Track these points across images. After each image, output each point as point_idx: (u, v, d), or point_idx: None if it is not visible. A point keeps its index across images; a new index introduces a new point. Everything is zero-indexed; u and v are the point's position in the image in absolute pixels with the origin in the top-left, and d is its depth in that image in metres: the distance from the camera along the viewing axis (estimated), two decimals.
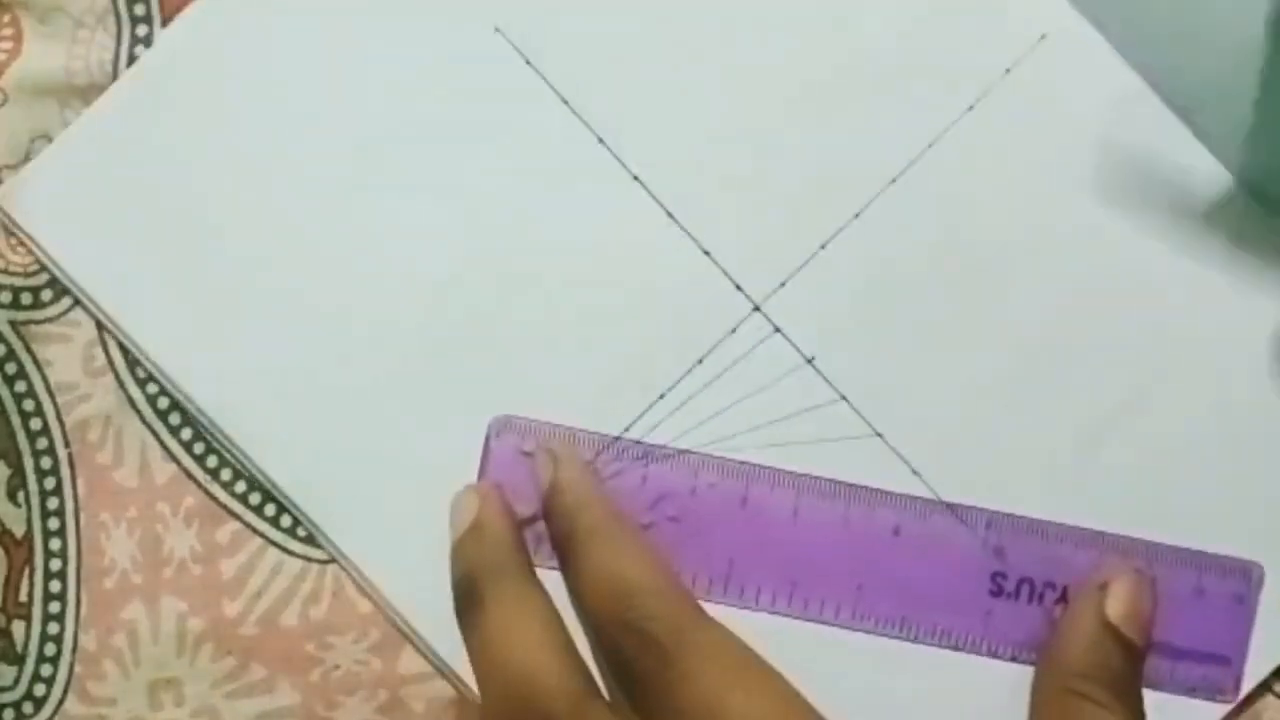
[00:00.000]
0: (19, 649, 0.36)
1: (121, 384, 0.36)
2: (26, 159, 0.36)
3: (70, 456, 0.36)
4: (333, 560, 0.35)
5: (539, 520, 0.34)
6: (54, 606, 0.36)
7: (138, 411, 0.36)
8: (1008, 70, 0.35)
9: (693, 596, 0.33)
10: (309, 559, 0.35)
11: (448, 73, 0.36)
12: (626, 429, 0.35)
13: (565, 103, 0.36)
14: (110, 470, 0.36)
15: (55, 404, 0.36)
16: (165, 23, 0.36)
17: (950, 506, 0.34)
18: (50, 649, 0.35)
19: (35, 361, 0.36)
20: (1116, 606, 0.32)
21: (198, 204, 0.36)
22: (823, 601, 0.34)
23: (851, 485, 0.34)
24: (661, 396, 0.35)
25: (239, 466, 0.36)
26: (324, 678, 0.35)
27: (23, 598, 0.36)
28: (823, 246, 0.35)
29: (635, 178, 0.35)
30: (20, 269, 0.36)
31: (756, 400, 0.35)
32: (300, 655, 0.35)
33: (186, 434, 0.36)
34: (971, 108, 0.35)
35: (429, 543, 0.34)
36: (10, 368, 0.36)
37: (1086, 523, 0.34)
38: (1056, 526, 0.34)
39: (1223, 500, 0.34)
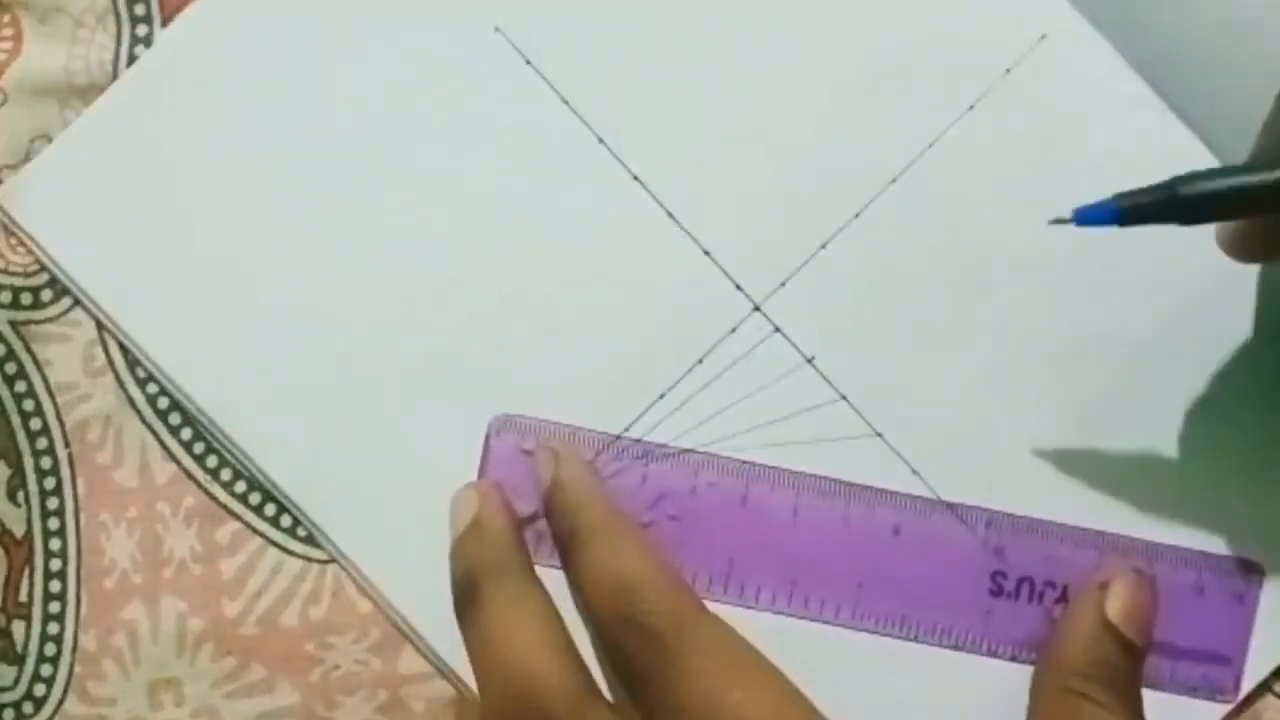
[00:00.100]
0: (19, 649, 0.36)
1: (121, 384, 0.36)
2: (26, 159, 0.36)
3: (70, 456, 0.36)
4: (333, 560, 0.35)
5: (539, 519, 0.34)
6: (54, 606, 0.36)
7: (138, 411, 0.36)
8: (1008, 70, 0.35)
9: (694, 593, 0.33)
10: (309, 559, 0.35)
11: (448, 73, 0.36)
12: (627, 429, 0.35)
13: (565, 103, 0.36)
14: (110, 470, 0.36)
15: (55, 404, 0.36)
16: (165, 23, 0.36)
17: (950, 506, 0.34)
18: (50, 649, 0.35)
19: (35, 361, 0.36)
20: (1116, 606, 0.32)
21: (198, 204, 0.36)
22: (823, 600, 0.34)
23: (851, 484, 0.34)
24: (661, 396, 0.35)
25: (239, 466, 0.36)
26: (324, 678, 0.35)
27: (23, 598, 0.36)
28: (823, 246, 0.35)
29: (635, 178, 0.35)
30: (20, 269, 0.36)
31: (756, 400, 0.35)
32: (300, 655, 0.35)
33: (186, 434, 0.36)
34: (971, 108, 0.35)
35: (429, 543, 0.34)
36: (10, 368, 0.36)
37: (1086, 522, 0.34)
38: (1056, 526, 0.34)
39: (1222, 500, 0.34)
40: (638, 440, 0.35)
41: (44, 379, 0.36)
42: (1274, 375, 0.35)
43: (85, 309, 0.36)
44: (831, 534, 0.34)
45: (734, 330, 0.35)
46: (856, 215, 0.35)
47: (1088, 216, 0.31)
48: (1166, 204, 0.30)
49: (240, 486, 0.36)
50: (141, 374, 0.36)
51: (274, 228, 0.35)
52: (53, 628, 0.36)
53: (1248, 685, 0.34)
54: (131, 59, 0.36)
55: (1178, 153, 0.35)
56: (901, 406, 0.35)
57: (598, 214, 0.35)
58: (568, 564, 0.33)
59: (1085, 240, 0.34)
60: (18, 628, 0.36)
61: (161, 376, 0.36)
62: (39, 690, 0.35)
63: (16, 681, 0.36)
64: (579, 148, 0.35)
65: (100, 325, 0.36)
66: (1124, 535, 0.34)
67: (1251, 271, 0.34)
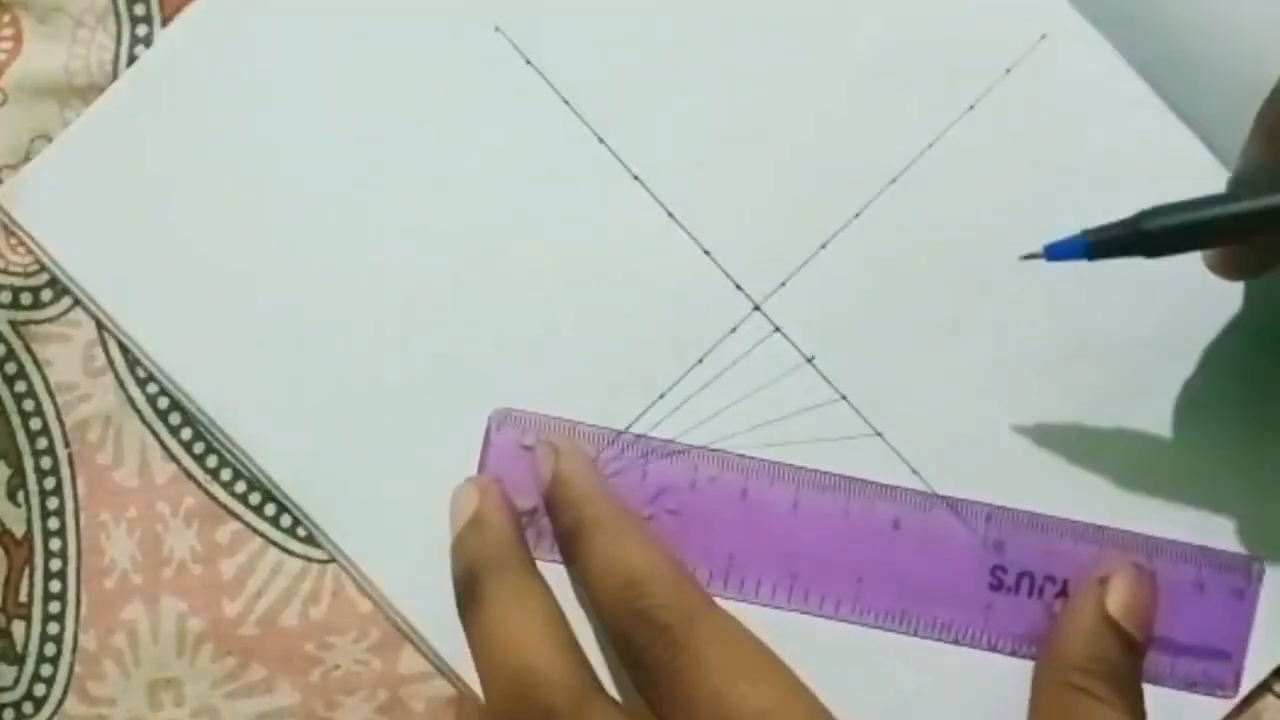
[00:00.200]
0: (19, 649, 0.36)
1: (121, 384, 0.36)
2: (26, 159, 0.36)
3: (70, 456, 0.36)
4: (333, 560, 0.35)
5: (539, 514, 0.34)
6: (54, 606, 0.36)
7: (138, 411, 0.36)
8: (1008, 70, 0.35)
9: (701, 586, 0.33)
10: (309, 559, 0.35)
11: (448, 73, 0.36)
12: (626, 428, 0.35)
13: (565, 103, 0.36)
14: (110, 470, 0.36)
15: (55, 404, 0.36)
16: (165, 23, 0.36)
17: (950, 500, 0.34)
18: (50, 649, 0.35)
19: (35, 361, 0.36)
20: (1117, 601, 0.32)
21: (198, 204, 0.36)
22: (823, 595, 0.34)
23: (851, 479, 0.34)
24: (662, 396, 0.35)
25: (239, 466, 0.36)
26: (324, 678, 0.35)
27: (23, 598, 0.36)
28: (823, 246, 0.35)
29: (635, 178, 0.35)
30: (20, 269, 0.36)
31: (756, 400, 0.35)
32: (300, 655, 0.35)
33: (186, 434, 0.36)
34: (971, 108, 0.35)
35: (429, 542, 0.34)
36: (10, 368, 0.36)
37: (1087, 517, 0.34)
38: (1056, 521, 0.34)
39: (1222, 495, 0.34)
40: (637, 435, 0.35)
41: (44, 379, 0.36)
42: (1273, 371, 0.35)
43: (85, 309, 0.36)
44: (831, 528, 0.34)
45: (734, 330, 0.35)
46: (856, 215, 0.35)
47: (1057, 251, 0.31)
48: (1133, 239, 0.31)
49: (240, 486, 0.36)
50: (141, 374, 0.36)
51: (274, 227, 0.35)
52: (53, 628, 0.36)
53: (1248, 681, 0.34)
54: (131, 59, 0.36)
55: (1178, 153, 0.35)
56: (901, 406, 0.35)
57: (598, 214, 0.35)
58: (571, 558, 0.33)
59: None
60: (18, 628, 0.36)
61: (161, 376, 0.36)
62: (39, 690, 0.35)
63: (16, 681, 0.36)
64: (579, 148, 0.35)
65: (100, 325, 0.36)
66: (1124, 530, 0.34)
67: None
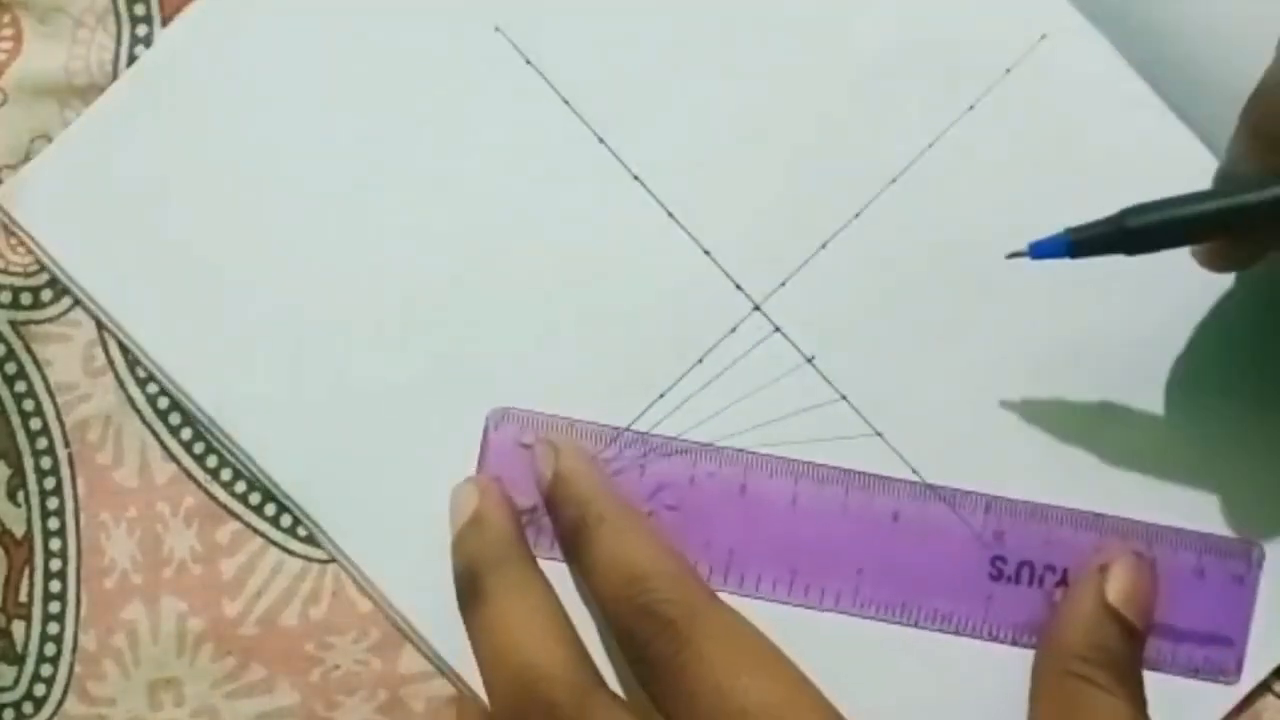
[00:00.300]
0: (19, 649, 0.36)
1: (121, 384, 0.36)
2: (26, 159, 0.36)
3: (70, 456, 0.36)
4: (333, 560, 0.35)
5: (538, 512, 0.34)
6: (54, 606, 0.36)
7: (138, 411, 0.36)
8: (1008, 70, 0.35)
9: (704, 580, 0.33)
10: (309, 559, 0.35)
11: (448, 73, 0.36)
12: (627, 428, 0.35)
13: (565, 103, 0.36)
14: (110, 470, 0.36)
15: (55, 404, 0.36)
16: (165, 23, 0.36)
17: (949, 492, 0.34)
18: (50, 649, 0.35)
19: (35, 361, 0.36)
20: (1117, 589, 0.32)
21: (198, 204, 0.36)
22: (823, 588, 0.34)
23: (849, 471, 0.35)
24: (662, 396, 0.35)
25: (239, 466, 0.36)
26: (324, 678, 0.35)
27: (23, 598, 0.36)
28: (823, 246, 0.35)
29: (635, 178, 0.35)
30: (20, 269, 0.36)
31: (756, 399, 0.35)
32: (300, 655, 0.35)
33: (186, 434, 0.36)
34: (972, 108, 0.35)
35: (429, 542, 0.34)
36: (10, 368, 0.36)
37: (1086, 506, 0.34)
38: (1056, 510, 0.34)
39: (1222, 482, 0.34)
40: (636, 433, 0.35)
41: (44, 379, 0.36)
42: (1268, 359, 0.35)
43: (85, 309, 0.36)
44: (831, 521, 0.34)
45: (734, 330, 0.35)
46: (856, 215, 0.35)
47: (1041, 250, 0.32)
48: (1115, 236, 0.31)
49: (240, 486, 0.36)
50: (141, 374, 0.36)
51: (274, 227, 0.35)
52: (53, 628, 0.36)
53: (1249, 667, 0.34)
54: (131, 59, 0.36)
55: (1178, 153, 0.35)
56: (901, 406, 0.35)
57: (598, 214, 0.35)
58: (575, 555, 0.33)
59: None
60: (18, 628, 0.36)
61: (161, 376, 0.36)
62: (39, 690, 0.35)
63: (16, 681, 0.36)
64: (579, 148, 0.35)
65: (100, 325, 0.36)
66: (1124, 518, 0.34)
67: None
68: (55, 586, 0.36)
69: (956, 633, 0.34)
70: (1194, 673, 0.34)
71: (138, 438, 0.36)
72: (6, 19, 0.36)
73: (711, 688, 0.30)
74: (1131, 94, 0.35)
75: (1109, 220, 0.31)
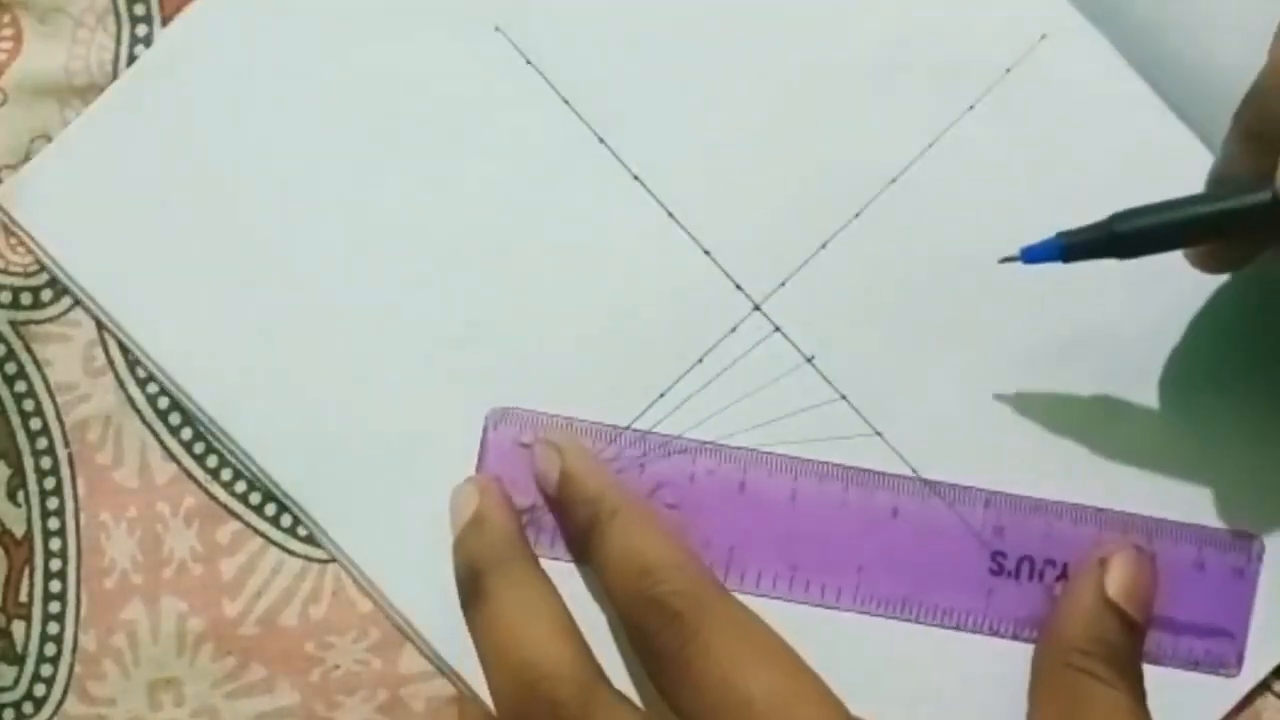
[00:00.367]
0: (19, 649, 0.36)
1: (121, 384, 0.36)
2: (26, 159, 0.36)
3: (70, 456, 0.36)
4: (333, 560, 0.35)
5: (538, 510, 0.34)
6: (54, 606, 0.36)
7: (138, 411, 0.36)
8: (1008, 70, 0.35)
9: (713, 574, 0.33)
10: (309, 559, 0.35)
11: (448, 73, 0.36)
12: (627, 427, 0.35)
13: (565, 103, 0.36)
14: (110, 470, 0.36)
15: (55, 404, 0.36)
16: (165, 23, 0.36)
17: (949, 487, 0.34)
18: (50, 649, 0.35)
19: (35, 361, 0.36)
20: (1116, 582, 0.33)
21: (197, 203, 0.36)
22: (823, 584, 0.34)
23: (848, 468, 0.35)
24: (662, 395, 0.35)
25: (239, 466, 0.36)
26: (324, 678, 0.35)
27: (23, 598, 0.36)
28: (823, 246, 0.35)
29: (635, 178, 0.35)
30: (20, 269, 0.36)
31: (756, 399, 0.35)
32: (300, 655, 0.35)
33: (186, 434, 0.36)
34: (972, 108, 0.35)
35: (429, 542, 0.34)
36: (10, 368, 0.36)
37: (1086, 500, 0.34)
38: (1055, 504, 0.34)
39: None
40: (635, 432, 0.35)
41: (44, 379, 0.36)
42: (1266, 355, 0.35)
43: (85, 309, 0.36)
44: (830, 518, 0.34)
45: (734, 330, 0.35)
46: (856, 215, 0.35)
47: (1033, 254, 0.32)
48: (1106, 241, 0.32)
49: (240, 486, 0.36)
50: (141, 374, 0.36)
51: (273, 227, 0.35)
52: (53, 628, 0.36)
53: (1250, 660, 0.34)
54: (131, 59, 0.36)
55: (1178, 153, 0.35)
56: (901, 406, 0.35)
57: (598, 214, 0.35)
58: (587, 552, 0.34)
59: None
60: (18, 628, 0.36)
61: (161, 376, 0.36)
62: (39, 690, 0.35)
63: (16, 681, 0.36)
64: (579, 148, 0.35)
65: (100, 325, 0.36)
66: (1124, 512, 0.34)
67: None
68: (55, 586, 0.36)
69: (957, 628, 0.34)
70: (1194, 665, 0.34)
71: (138, 438, 0.36)
72: (6, 19, 0.36)
73: (718, 680, 0.31)
74: (1131, 94, 0.35)
75: (1099, 225, 0.32)
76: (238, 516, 0.36)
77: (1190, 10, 0.35)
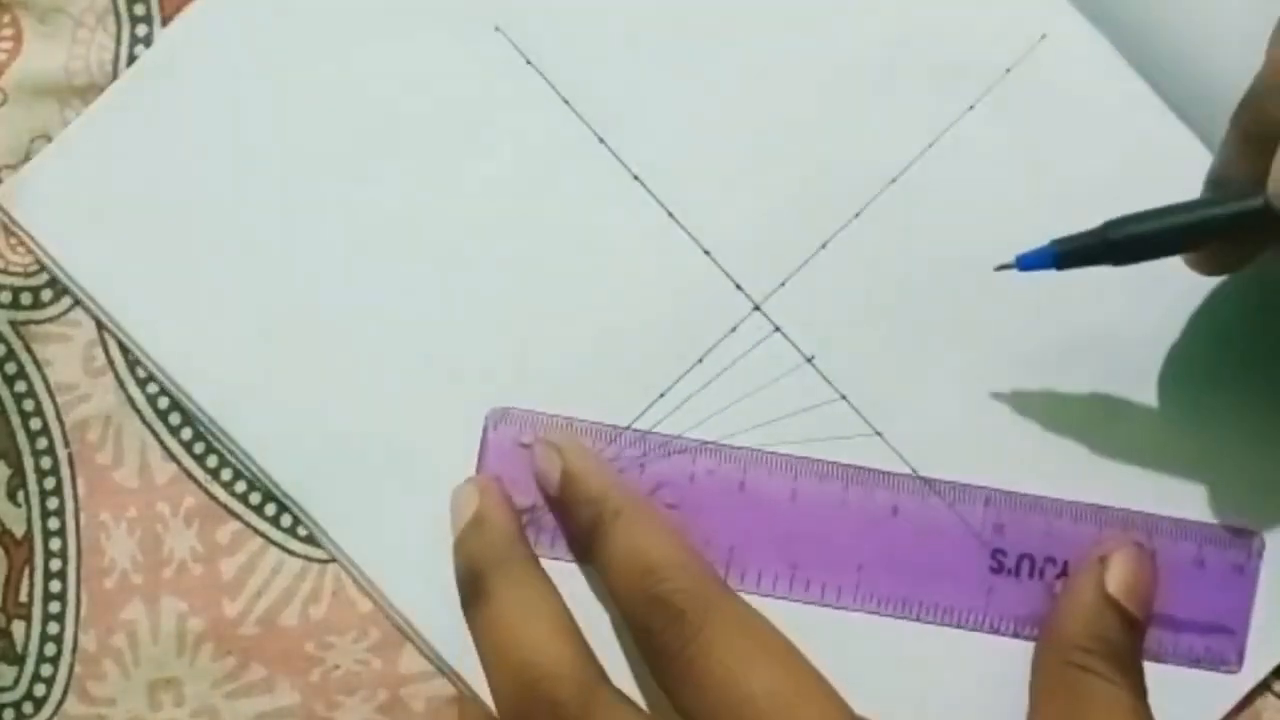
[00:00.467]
0: (19, 649, 0.36)
1: (121, 384, 0.36)
2: (26, 159, 0.36)
3: (70, 456, 0.36)
4: (333, 560, 0.35)
5: (538, 510, 0.34)
6: (54, 606, 0.36)
7: (138, 411, 0.36)
8: (1008, 70, 0.35)
9: (716, 572, 0.33)
10: (309, 559, 0.35)
11: (448, 73, 0.36)
12: (627, 427, 0.35)
13: (565, 103, 0.36)
14: (110, 470, 0.36)
15: (55, 404, 0.36)
16: (165, 23, 0.36)
17: (948, 485, 0.34)
18: (50, 649, 0.35)
19: (35, 361, 0.36)
20: (1116, 579, 0.33)
21: (197, 203, 0.36)
22: (824, 583, 0.34)
23: (848, 466, 0.35)
24: (662, 395, 0.35)
25: (239, 466, 0.36)
26: (324, 678, 0.35)
27: (23, 598, 0.36)
28: (823, 246, 0.35)
29: (635, 178, 0.35)
30: (20, 269, 0.36)
31: (756, 399, 0.35)
32: (300, 655, 0.35)
33: (186, 434, 0.36)
34: (972, 108, 0.35)
35: (429, 542, 0.34)
36: (10, 368, 0.36)
37: (1086, 497, 0.34)
38: (1055, 502, 0.34)
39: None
40: (635, 431, 0.35)
41: (44, 379, 0.36)
42: (1269, 351, 0.35)
43: (85, 309, 0.36)
44: (830, 517, 0.34)
45: (734, 330, 0.35)
46: (856, 215, 0.35)
47: (1028, 261, 0.32)
48: (1100, 247, 0.32)
49: (240, 486, 0.36)
50: (141, 374, 0.36)
51: (274, 227, 0.35)
52: (53, 628, 0.36)
53: (1251, 657, 0.34)
54: (131, 59, 0.36)
55: (1178, 153, 0.35)
56: (901, 406, 0.35)
57: (598, 214, 0.35)
58: (591, 552, 0.34)
59: None
60: (18, 628, 0.36)
61: (161, 376, 0.36)
62: (39, 690, 0.35)
63: (16, 681, 0.36)
64: (579, 148, 0.35)
65: (100, 325, 0.36)
66: (1123, 509, 0.34)
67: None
68: (55, 586, 0.36)
69: (957, 626, 0.34)
70: (1195, 662, 0.34)
71: (138, 438, 0.36)
72: (6, 19, 0.36)
73: (721, 678, 0.31)
74: (1131, 94, 0.35)
75: (1093, 232, 0.32)
76: (238, 516, 0.36)
77: (1190, 10, 0.35)
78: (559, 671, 0.31)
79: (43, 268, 0.36)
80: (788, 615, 0.34)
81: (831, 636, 0.34)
